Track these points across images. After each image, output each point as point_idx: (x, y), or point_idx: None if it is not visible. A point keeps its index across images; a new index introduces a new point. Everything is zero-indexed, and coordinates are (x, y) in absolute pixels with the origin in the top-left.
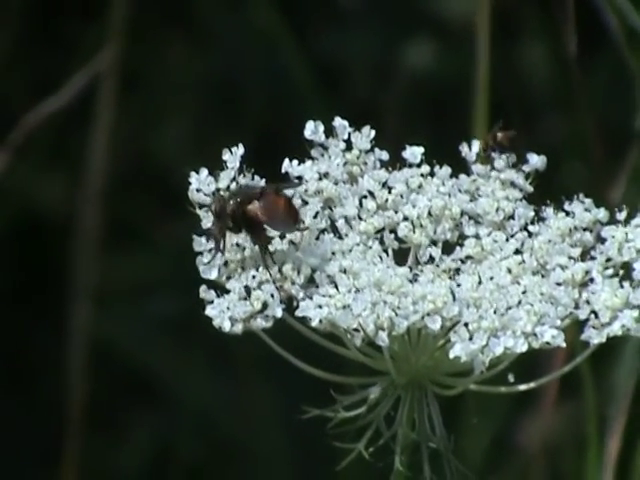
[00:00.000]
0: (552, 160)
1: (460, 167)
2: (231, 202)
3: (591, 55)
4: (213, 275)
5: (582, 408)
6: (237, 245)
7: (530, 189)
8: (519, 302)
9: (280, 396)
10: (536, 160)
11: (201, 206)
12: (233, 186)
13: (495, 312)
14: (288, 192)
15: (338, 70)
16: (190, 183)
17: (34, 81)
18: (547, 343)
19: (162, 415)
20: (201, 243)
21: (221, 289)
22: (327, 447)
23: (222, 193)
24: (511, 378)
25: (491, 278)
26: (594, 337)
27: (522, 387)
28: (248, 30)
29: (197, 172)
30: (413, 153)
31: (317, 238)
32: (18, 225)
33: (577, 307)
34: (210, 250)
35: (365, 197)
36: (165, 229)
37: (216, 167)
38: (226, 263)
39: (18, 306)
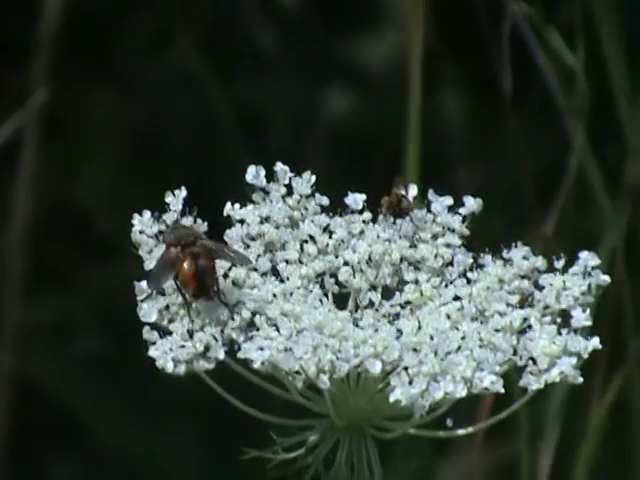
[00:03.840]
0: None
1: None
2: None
3: (521, 93)
4: (153, 318)
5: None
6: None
7: (467, 232)
8: (458, 347)
9: (205, 438)
10: (472, 203)
11: (142, 247)
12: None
13: (435, 356)
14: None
15: (260, 115)
16: (132, 225)
17: None
18: (486, 389)
19: (83, 453)
20: (142, 288)
21: (164, 330)
22: None
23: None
24: (449, 423)
25: (430, 323)
26: (532, 383)
27: (461, 431)
28: (172, 76)
29: (140, 214)
30: (355, 199)
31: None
32: None
33: (515, 353)
34: (150, 295)
35: (306, 242)
36: (87, 273)
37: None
38: (167, 306)
39: None
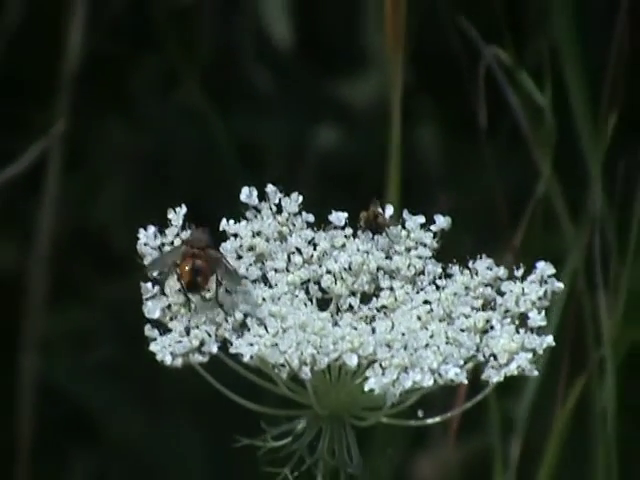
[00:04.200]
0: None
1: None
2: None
3: (494, 128)
4: (156, 315)
5: (475, 443)
6: (179, 290)
7: (436, 246)
8: (427, 344)
9: (206, 430)
10: (442, 221)
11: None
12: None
13: (405, 351)
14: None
15: (256, 147)
16: (138, 238)
17: None
18: (451, 380)
19: (100, 449)
20: (148, 289)
21: (164, 328)
22: (251, 474)
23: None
24: (420, 413)
25: (402, 323)
26: (493, 376)
27: (429, 421)
28: (178, 111)
29: (145, 229)
30: (338, 217)
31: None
32: None
33: (478, 350)
34: (154, 295)
35: (293, 253)
36: (103, 286)
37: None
38: (169, 306)
39: None
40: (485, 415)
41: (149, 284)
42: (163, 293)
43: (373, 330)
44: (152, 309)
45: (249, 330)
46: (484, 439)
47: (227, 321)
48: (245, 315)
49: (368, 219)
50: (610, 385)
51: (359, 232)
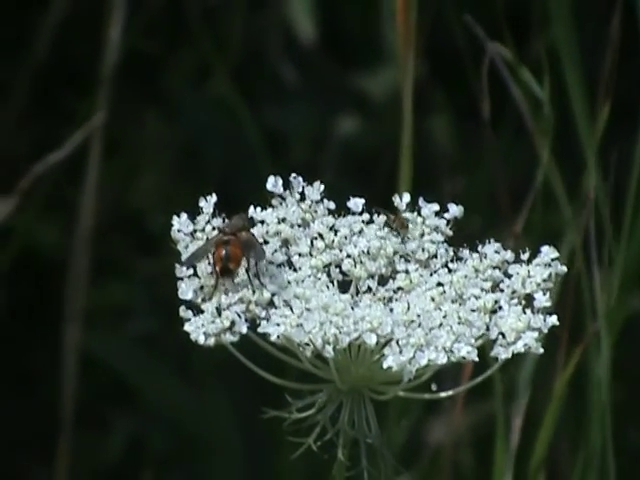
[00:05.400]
0: (468, 210)
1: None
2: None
3: (498, 118)
4: (189, 296)
5: (482, 410)
6: (210, 272)
7: (450, 233)
8: (440, 324)
9: (236, 400)
10: (455, 209)
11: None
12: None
13: (421, 330)
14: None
15: (282, 136)
16: (172, 225)
17: (37, 141)
18: (463, 357)
19: (138, 416)
20: (181, 270)
21: (197, 309)
22: (276, 442)
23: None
24: (434, 387)
25: (417, 305)
26: (502, 354)
27: (442, 394)
28: (210, 102)
29: (178, 216)
30: (356, 203)
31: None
32: (22, 260)
33: (488, 329)
34: (189, 276)
35: (316, 238)
36: (140, 264)
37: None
38: (202, 287)
39: (22, 326)
40: (490, 384)
41: (183, 267)
42: (196, 274)
43: (391, 311)
44: (185, 290)
45: (277, 308)
46: (489, 406)
47: (256, 300)
48: (273, 294)
49: (395, 222)
50: (605, 356)
51: (374, 217)
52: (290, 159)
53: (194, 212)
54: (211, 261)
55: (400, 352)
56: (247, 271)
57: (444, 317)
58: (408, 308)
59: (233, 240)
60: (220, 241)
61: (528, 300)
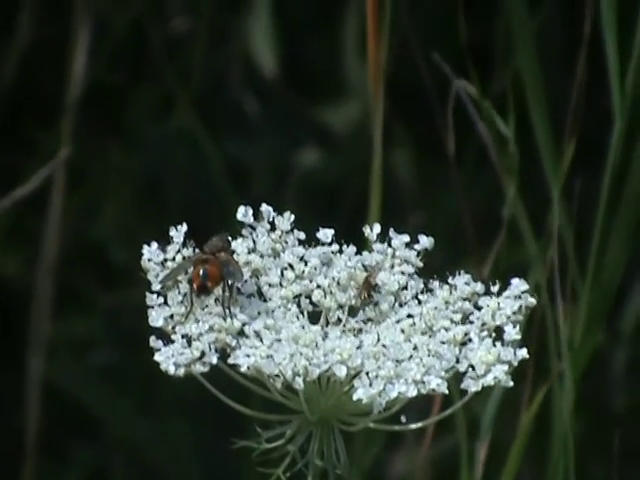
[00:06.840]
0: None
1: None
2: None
3: (463, 154)
4: (159, 324)
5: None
6: (181, 301)
7: (420, 264)
8: (410, 356)
9: (198, 431)
10: (425, 241)
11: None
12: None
13: (391, 363)
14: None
15: (245, 168)
16: (141, 254)
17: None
18: (433, 390)
19: (100, 446)
20: (152, 298)
21: (167, 338)
22: (240, 473)
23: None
24: (403, 419)
25: (387, 336)
26: (471, 386)
27: (412, 426)
28: (173, 134)
29: (149, 245)
30: (325, 234)
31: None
32: None
33: (458, 361)
34: (159, 305)
35: (286, 268)
36: (103, 296)
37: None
38: (172, 316)
39: None
40: (451, 418)
41: (154, 294)
42: (166, 303)
43: (360, 343)
44: (156, 318)
45: (247, 338)
46: (451, 439)
47: (227, 328)
48: (243, 324)
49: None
50: (569, 391)
51: (344, 248)
52: (253, 191)
53: (159, 242)
54: (187, 279)
55: (370, 384)
56: (223, 292)
57: (414, 349)
58: (378, 340)
59: (212, 259)
60: (199, 260)
61: (498, 332)
